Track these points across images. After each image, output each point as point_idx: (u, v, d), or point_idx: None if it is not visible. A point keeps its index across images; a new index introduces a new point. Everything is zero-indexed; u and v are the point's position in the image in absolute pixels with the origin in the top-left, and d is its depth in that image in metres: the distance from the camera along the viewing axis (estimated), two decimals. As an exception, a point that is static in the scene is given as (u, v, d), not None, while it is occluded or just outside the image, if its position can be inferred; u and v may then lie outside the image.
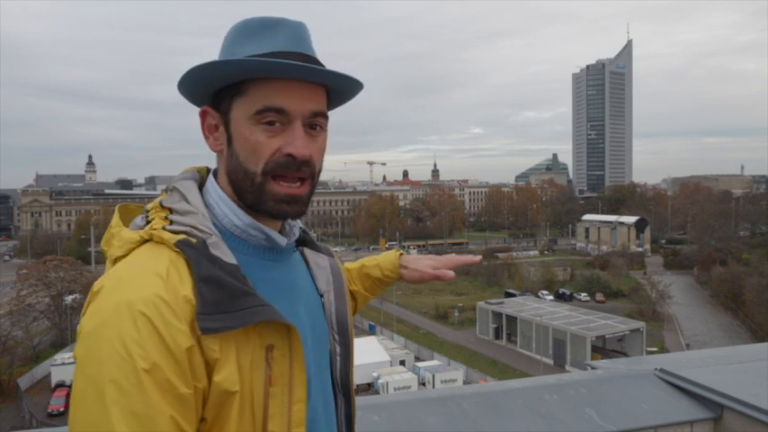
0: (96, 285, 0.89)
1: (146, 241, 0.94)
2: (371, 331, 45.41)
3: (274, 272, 1.02)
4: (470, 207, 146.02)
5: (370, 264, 1.54)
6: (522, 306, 45.06)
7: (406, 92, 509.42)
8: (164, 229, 0.93)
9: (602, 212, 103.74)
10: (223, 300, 0.86)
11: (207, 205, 1.01)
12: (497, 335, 44.70)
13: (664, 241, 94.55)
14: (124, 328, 0.81)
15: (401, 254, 1.55)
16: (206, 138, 1.02)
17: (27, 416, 29.81)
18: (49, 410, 29.75)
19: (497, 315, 44.69)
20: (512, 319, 43.21)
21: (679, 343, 42.81)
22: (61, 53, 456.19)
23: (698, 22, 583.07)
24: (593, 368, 2.85)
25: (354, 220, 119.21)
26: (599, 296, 56.93)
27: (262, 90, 0.94)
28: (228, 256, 0.92)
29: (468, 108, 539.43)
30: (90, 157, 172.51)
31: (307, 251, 1.19)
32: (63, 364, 33.09)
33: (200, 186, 1.05)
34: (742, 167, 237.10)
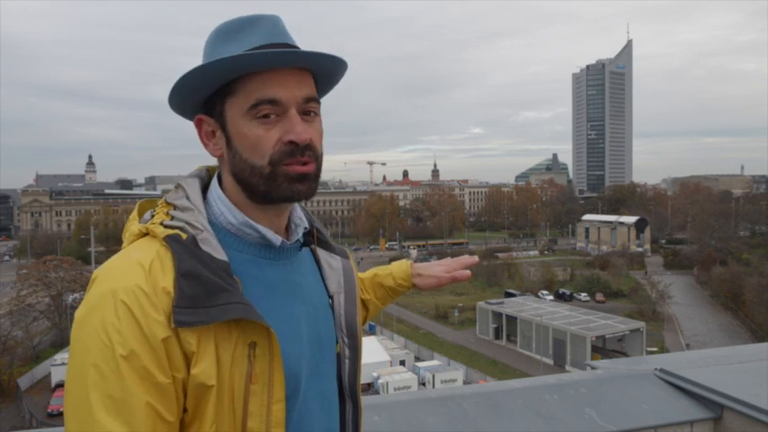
0: (93, 274, 0.94)
1: (145, 234, 0.98)
2: (371, 331, 45.38)
3: (271, 270, 1.02)
4: (470, 207, 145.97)
5: (383, 273, 1.57)
6: (522, 306, 45.04)
7: (406, 92, 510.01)
8: (162, 223, 0.96)
9: (602, 212, 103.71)
10: (200, 295, 0.88)
11: (207, 203, 1.03)
12: (497, 335, 44.68)
13: (664, 241, 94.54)
14: (107, 316, 0.85)
15: (412, 263, 1.59)
16: (205, 145, 1.04)
17: (27, 416, 29.79)
18: (49, 410, 29.73)
19: (497, 315, 44.67)
20: (512, 319, 43.19)
21: (679, 343, 42.80)
22: (61, 53, 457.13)
23: (698, 22, 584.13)
24: (593, 368, 2.85)
25: (354, 220, 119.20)
26: (599, 296, 56.90)
27: (251, 85, 0.95)
28: (219, 253, 0.94)
29: (468, 108, 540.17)
30: (90, 157, 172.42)
31: (320, 251, 1.19)
32: (63, 364, 32.92)
33: (208, 184, 1.08)
34: (742, 167, 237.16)
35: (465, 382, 30.23)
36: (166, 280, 0.89)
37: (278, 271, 1.04)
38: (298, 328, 1.02)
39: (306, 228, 1.15)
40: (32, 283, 42.31)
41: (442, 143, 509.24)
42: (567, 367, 36.18)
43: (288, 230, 1.10)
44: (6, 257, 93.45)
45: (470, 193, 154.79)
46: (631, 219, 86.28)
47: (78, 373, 0.84)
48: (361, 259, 78.48)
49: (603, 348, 38.56)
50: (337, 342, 1.14)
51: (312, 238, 1.18)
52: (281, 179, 0.97)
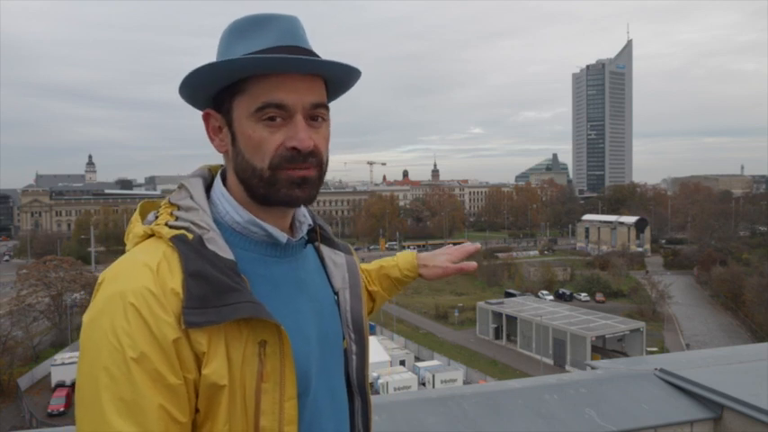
0: (100, 277, 0.93)
1: (150, 236, 0.97)
2: (371, 331, 45.42)
3: (277, 268, 1.02)
4: (470, 207, 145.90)
5: (389, 264, 1.58)
6: (522, 306, 45.04)
7: (406, 92, 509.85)
8: (166, 224, 0.96)
9: (602, 212, 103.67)
10: (209, 295, 0.87)
11: (211, 202, 1.03)
12: (497, 335, 44.68)
13: (664, 241, 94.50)
14: (116, 319, 0.85)
15: (417, 253, 1.60)
16: (211, 140, 1.04)
17: (27, 416, 29.78)
18: (49, 410, 29.71)
19: (497, 315, 44.67)
20: (512, 319, 43.19)
21: (679, 343, 42.81)
22: (61, 53, 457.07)
23: (698, 22, 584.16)
24: (593, 368, 2.85)
25: (354, 220, 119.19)
26: (599, 296, 56.93)
27: (260, 86, 0.95)
28: (225, 252, 0.94)
29: (468, 108, 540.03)
30: (90, 157, 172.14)
31: (323, 248, 1.20)
32: (63, 364, 33.04)
33: (211, 184, 1.08)
34: (742, 167, 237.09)
35: (465, 382, 30.22)
36: (175, 281, 0.88)
37: (284, 269, 1.03)
38: (306, 326, 1.02)
39: (310, 225, 1.15)
40: (32, 283, 42.32)
41: (442, 143, 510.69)
42: (567, 367, 36.19)
43: (292, 228, 1.10)
44: (6, 257, 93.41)
45: (470, 193, 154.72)
46: (631, 219, 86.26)
47: (89, 376, 0.84)
48: (363, 260, 78.17)
49: (603, 348, 38.55)
50: (344, 338, 1.14)
51: (315, 235, 1.18)
52: (281, 184, 0.97)
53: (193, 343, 0.87)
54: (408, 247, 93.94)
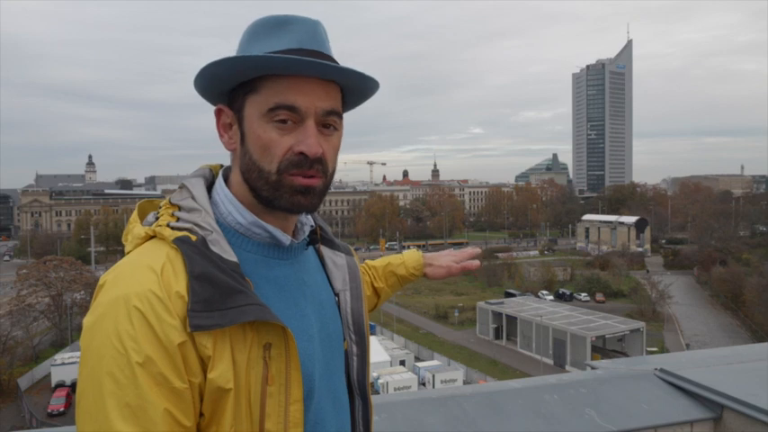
0: (101, 280, 0.91)
1: (151, 237, 0.95)
2: (371, 331, 45.38)
3: (280, 269, 1.01)
4: (470, 207, 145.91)
5: (396, 262, 1.63)
6: (522, 306, 45.02)
7: (406, 92, 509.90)
8: (168, 225, 0.94)
9: (602, 212, 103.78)
10: (214, 297, 0.86)
11: (213, 203, 1.01)
12: (497, 335, 44.64)
13: (664, 241, 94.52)
14: (120, 323, 0.83)
15: (423, 253, 1.66)
16: (220, 136, 1.02)
17: (27, 416, 29.74)
18: (49, 410, 29.69)
19: (497, 315, 44.65)
20: (512, 319, 43.17)
21: (679, 343, 42.78)
22: (61, 53, 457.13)
23: (698, 23, 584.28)
24: (593, 368, 2.85)
25: (354, 220, 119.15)
26: (599, 296, 56.89)
27: (275, 87, 0.94)
28: (229, 253, 0.92)
29: (468, 108, 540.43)
30: (90, 157, 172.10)
31: (324, 249, 1.19)
32: (63, 364, 33.07)
33: (212, 184, 1.06)
34: (742, 167, 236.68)
35: (465, 382, 30.22)
36: (179, 284, 0.87)
37: (286, 270, 1.02)
38: (309, 327, 1.01)
39: (311, 226, 1.15)
40: (32, 283, 42.32)
41: (442, 143, 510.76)
42: (567, 367, 36.18)
43: (294, 229, 1.09)
44: (6, 257, 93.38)
45: (470, 193, 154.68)
46: (631, 219, 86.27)
47: (92, 381, 0.82)
48: (363, 260, 78.41)
49: (603, 348, 38.55)
50: (344, 340, 1.14)
51: (316, 236, 1.18)
52: (285, 189, 0.95)
53: (199, 346, 0.85)
54: (408, 247, 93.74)
